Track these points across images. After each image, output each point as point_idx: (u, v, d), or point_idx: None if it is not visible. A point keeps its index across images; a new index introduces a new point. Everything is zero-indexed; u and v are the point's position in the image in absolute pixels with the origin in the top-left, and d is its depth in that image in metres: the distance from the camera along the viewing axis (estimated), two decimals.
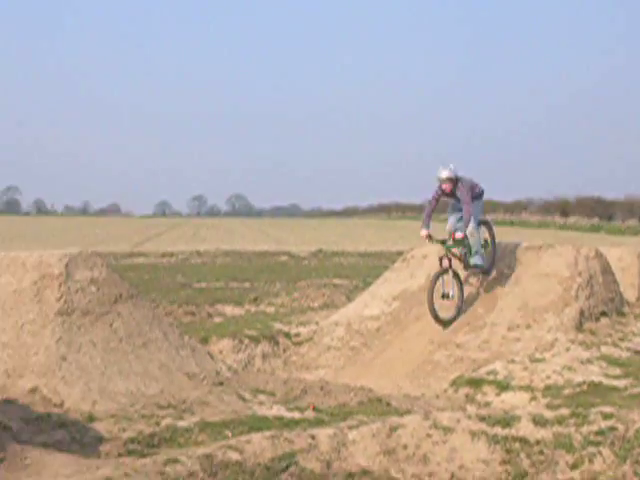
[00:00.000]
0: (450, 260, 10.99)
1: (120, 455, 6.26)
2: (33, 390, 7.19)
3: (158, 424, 6.89)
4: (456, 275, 11.08)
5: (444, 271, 10.93)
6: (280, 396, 8.13)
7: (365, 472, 6.12)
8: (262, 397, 7.98)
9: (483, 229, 11.64)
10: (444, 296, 10.89)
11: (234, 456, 6.02)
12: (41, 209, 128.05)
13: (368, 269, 23.54)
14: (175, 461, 5.85)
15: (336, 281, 20.05)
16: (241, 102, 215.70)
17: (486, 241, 11.61)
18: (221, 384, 8.23)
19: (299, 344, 11.66)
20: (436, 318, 10.84)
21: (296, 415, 7.41)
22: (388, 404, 8.19)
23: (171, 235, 52.17)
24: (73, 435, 6.67)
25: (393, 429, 6.50)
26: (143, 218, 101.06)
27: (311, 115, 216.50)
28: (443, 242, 11.09)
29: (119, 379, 7.67)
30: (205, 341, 10.99)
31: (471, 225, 10.98)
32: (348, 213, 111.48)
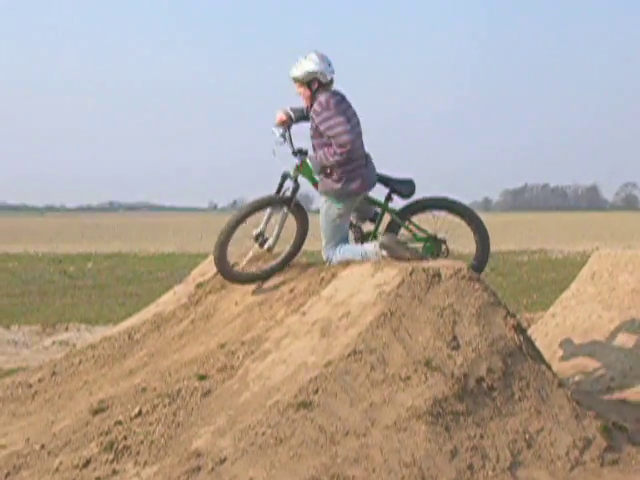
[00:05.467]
0: (297, 187, 6.70)
1: None
2: None
3: None
4: (297, 214, 6.75)
5: (281, 201, 6.67)
6: None
7: None
8: None
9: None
10: (258, 238, 6.73)
11: None
12: None
13: None
14: None
15: None
16: None
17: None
18: None
19: None
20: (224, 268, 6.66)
21: None
22: None
23: None
24: None
25: None
26: None
27: None
28: (299, 152, 6.71)
29: None
30: None
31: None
32: None
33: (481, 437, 5.09)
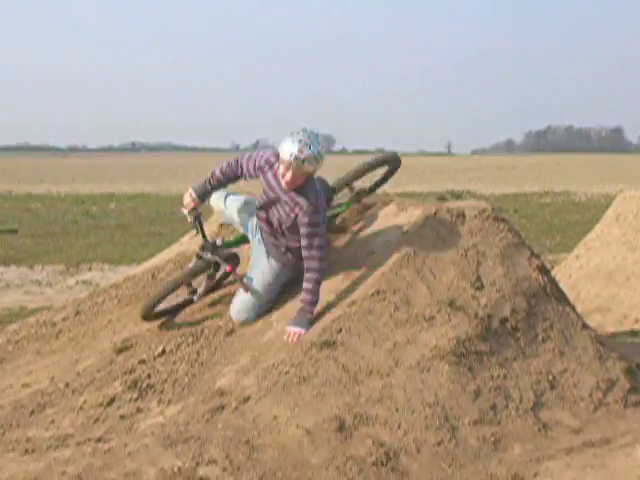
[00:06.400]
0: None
1: None
2: None
3: None
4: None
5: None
6: None
7: None
8: None
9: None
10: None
11: None
12: None
13: None
14: None
15: None
16: None
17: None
18: None
19: None
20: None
21: None
22: None
23: None
24: None
25: None
26: None
27: None
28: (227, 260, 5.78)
29: None
30: None
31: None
32: None
33: (504, 378, 5.08)
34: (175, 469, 4.23)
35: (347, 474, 4.30)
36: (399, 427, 4.62)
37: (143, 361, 5.43)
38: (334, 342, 5.06)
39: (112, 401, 5.07)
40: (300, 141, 5.20)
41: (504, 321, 5.35)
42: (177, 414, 4.76)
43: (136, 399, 5.04)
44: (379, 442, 4.50)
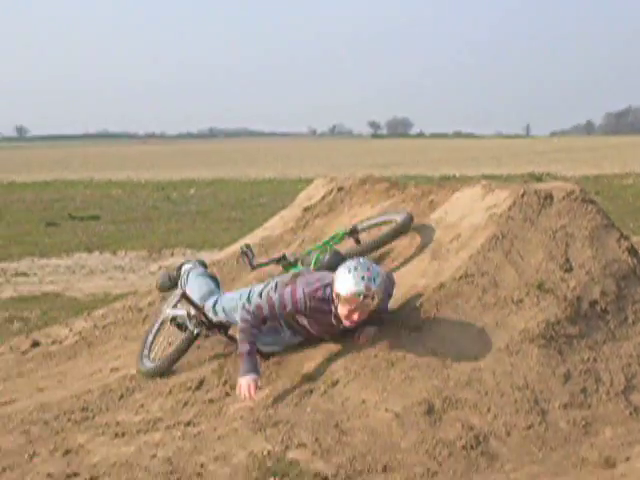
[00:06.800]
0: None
1: None
2: None
3: None
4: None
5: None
6: None
7: None
8: None
9: None
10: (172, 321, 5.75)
11: None
12: None
13: None
14: None
15: None
16: None
17: None
18: None
19: None
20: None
21: None
22: None
23: None
24: None
25: None
26: None
27: None
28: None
29: None
30: None
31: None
32: None
33: (594, 361, 4.98)
34: (265, 452, 4.27)
35: (437, 458, 4.28)
36: (488, 410, 4.58)
37: (230, 345, 5.47)
38: (422, 326, 5.04)
39: (200, 385, 5.13)
40: (363, 278, 4.74)
41: (593, 304, 5.24)
42: (266, 398, 4.80)
43: (224, 383, 5.09)
44: (468, 425, 4.47)
